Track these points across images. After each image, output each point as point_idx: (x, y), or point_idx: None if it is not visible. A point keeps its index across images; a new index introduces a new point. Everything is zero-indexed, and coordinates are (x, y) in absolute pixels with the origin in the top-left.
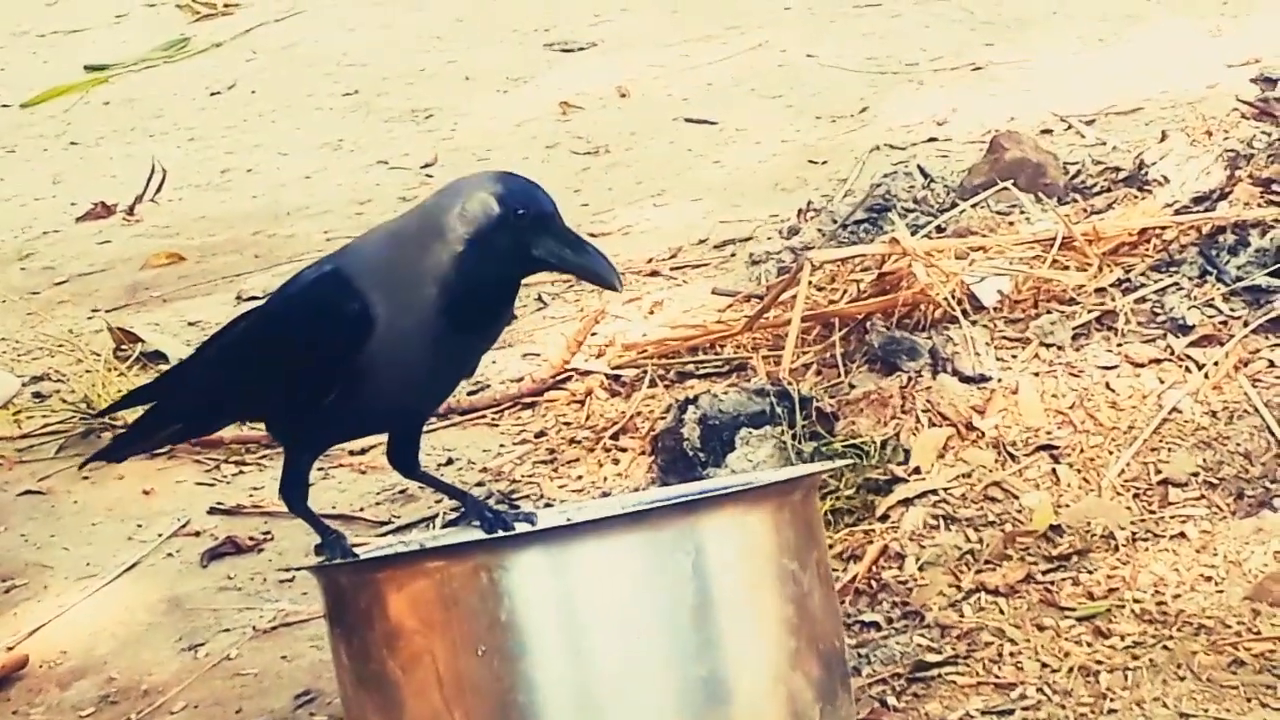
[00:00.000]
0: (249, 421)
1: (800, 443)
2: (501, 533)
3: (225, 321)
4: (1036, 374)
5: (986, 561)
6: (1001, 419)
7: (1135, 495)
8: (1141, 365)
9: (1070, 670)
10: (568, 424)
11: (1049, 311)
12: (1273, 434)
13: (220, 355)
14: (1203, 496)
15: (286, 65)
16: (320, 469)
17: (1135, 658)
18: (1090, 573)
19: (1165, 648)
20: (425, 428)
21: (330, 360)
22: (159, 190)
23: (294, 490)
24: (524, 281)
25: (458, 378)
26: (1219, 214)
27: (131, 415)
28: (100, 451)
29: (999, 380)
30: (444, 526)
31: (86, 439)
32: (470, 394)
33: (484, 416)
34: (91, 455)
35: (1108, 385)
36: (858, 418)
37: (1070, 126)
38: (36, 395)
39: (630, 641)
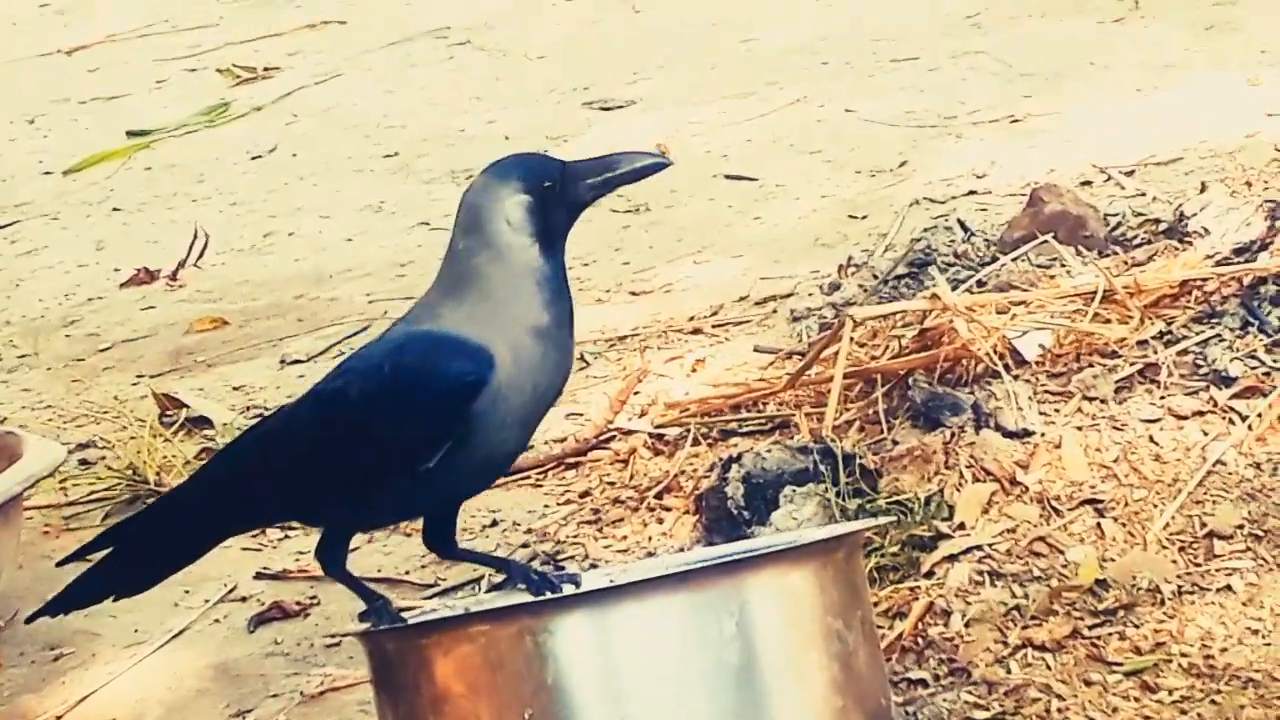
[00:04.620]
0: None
1: (844, 500)
2: (548, 595)
3: (269, 385)
4: (1079, 428)
5: (1032, 617)
6: (1045, 473)
7: (1180, 548)
8: (1185, 417)
9: None
10: (612, 484)
11: (1091, 365)
12: None
13: (284, 451)
14: (1248, 549)
15: (326, 128)
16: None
17: (1183, 712)
18: (1136, 627)
19: (1213, 702)
20: None
21: (454, 413)
22: (201, 255)
23: (333, 556)
24: None
25: (564, 381)
26: (1260, 265)
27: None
28: (47, 605)
29: (1042, 435)
30: (490, 589)
31: (132, 506)
32: None
33: (528, 477)
34: (37, 610)
35: (1151, 438)
36: (901, 474)
37: (1110, 178)
38: (82, 463)
39: (676, 702)
